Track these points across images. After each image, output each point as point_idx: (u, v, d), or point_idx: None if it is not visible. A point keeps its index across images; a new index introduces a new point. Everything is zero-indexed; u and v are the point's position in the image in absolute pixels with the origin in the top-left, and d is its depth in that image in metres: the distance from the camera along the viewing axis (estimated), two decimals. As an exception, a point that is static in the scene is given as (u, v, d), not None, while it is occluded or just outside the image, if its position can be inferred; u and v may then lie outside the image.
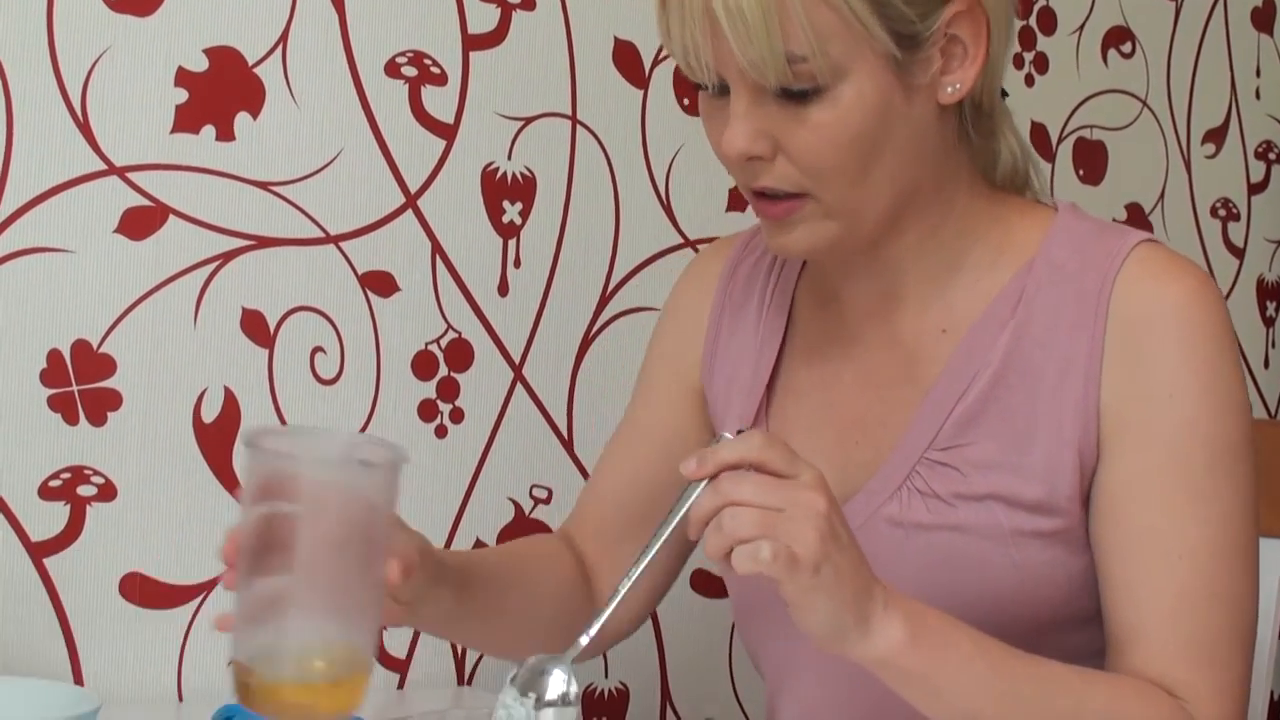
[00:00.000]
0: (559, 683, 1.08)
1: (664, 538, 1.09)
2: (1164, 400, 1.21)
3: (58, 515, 1.49)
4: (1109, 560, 1.22)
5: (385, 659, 1.63)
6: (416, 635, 1.65)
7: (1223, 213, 2.14)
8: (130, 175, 1.51)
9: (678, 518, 1.09)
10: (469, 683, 1.68)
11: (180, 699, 1.54)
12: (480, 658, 1.68)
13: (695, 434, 1.40)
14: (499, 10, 1.67)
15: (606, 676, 1.76)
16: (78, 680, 1.49)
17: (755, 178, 1.21)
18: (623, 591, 1.10)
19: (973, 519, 1.23)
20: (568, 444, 1.71)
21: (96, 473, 1.50)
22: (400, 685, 1.64)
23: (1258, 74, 2.16)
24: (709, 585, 1.81)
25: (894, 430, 1.28)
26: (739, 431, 1.15)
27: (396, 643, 1.64)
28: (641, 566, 1.09)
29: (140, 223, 1.51)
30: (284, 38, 1.56)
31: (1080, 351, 1.23)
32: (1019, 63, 1.96)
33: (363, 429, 1.60)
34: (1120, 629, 1.22)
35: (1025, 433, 1.23)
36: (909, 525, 1.25)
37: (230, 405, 1.55)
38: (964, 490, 1.24)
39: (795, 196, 1.20)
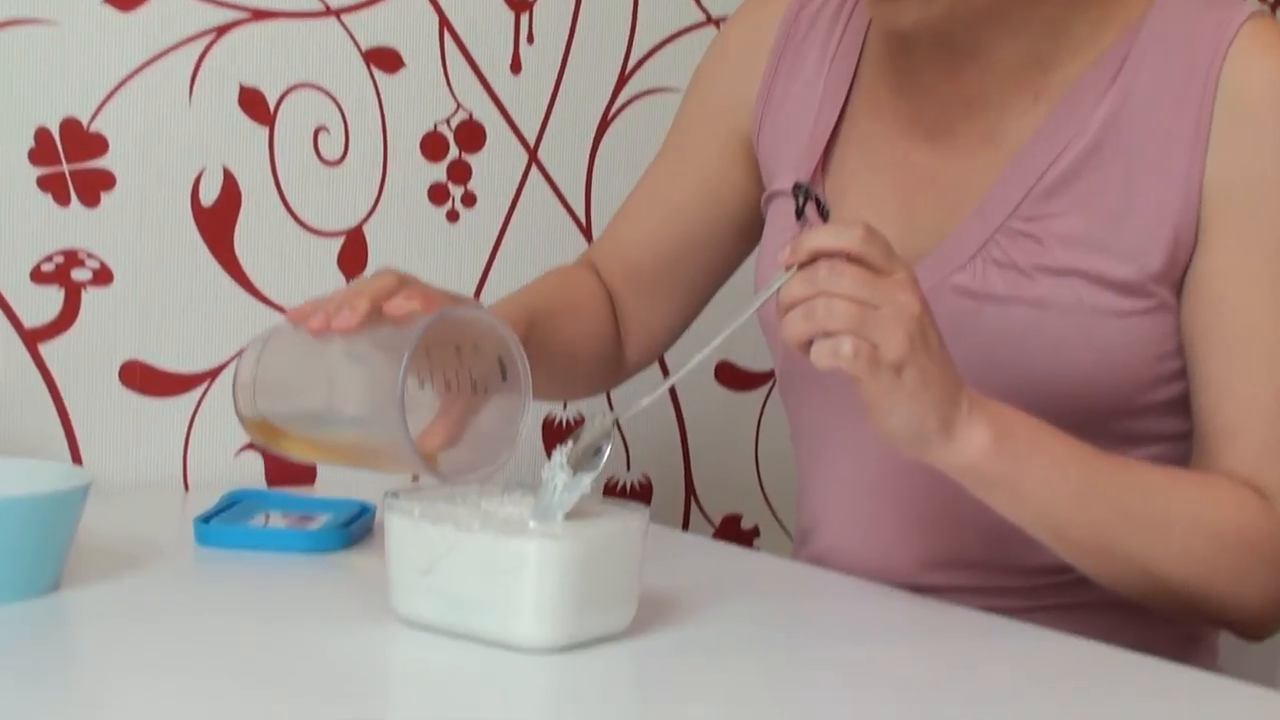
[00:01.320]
0: (604, 455, 1.06)
1: (743, 319, 1.06)
2: (1274, 186, 1.16)
3: (52, 300, 1.44)
4: (1204, 354, 1.17)
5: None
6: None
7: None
8: (118, -57, 1.44)
9: (761, 300, 1.06)
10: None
11: (186, 488, 1.50)
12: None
13: (739, 183, 1.37)
14: None
15: (629, 470, 1.72)
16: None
17: None
18: (691, 366, 1.07)
19: (1053, 294, 1.18)
20: (585, 231, 1.65)
21: (91, 256, 1.45)
22: (415, 478, 1.60)
23: None
24: (735, 379, 1.76)
25: (970, 194, 1.22)
26: (796, 185, 1.12)
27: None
28: (712, 347, 1.06)
29: (129, -8, 1.45)
30: None
31: (1185, 127, 1.17)
32: None
33: (370, 213, 1.55)
34: (1211, 427, 1.18)
35: (1117, 209, 1.18)
36: (981, 296, 1.20)
37: (230, 187, 1.49)
38: (1046, 263, 1.18)
39: None
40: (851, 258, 1.03)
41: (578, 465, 1.04)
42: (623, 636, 1.05)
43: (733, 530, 1.78)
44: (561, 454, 1.05)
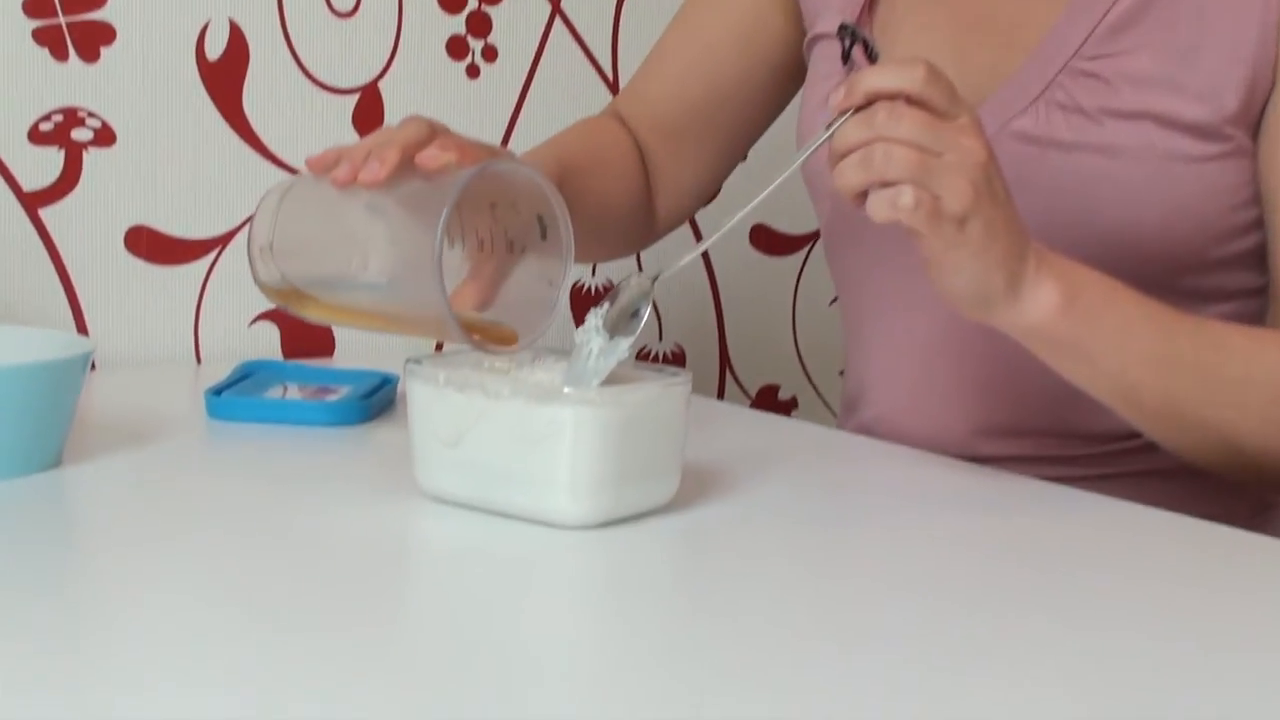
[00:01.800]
0: (642, 317, 0.98)
1: (792, 169, 0.99)
2: None
3: (51, 162, 1.36)
4: None
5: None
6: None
7: None
8: None
9: (812, 148, 0.98)
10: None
11: (198, 361, 1.43)
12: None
13: (776, 27, 1.30)
14: None
15: (661, 339, 1.65)
16: (84, 341, 1.38)
17: None
18: (736, 221, 0.99)
19: (1122, 139, 1.10)
20: (612, 86, 1.57)
21: (92, 115, 1.37)
22: (439, 347, 1.53)
23: None
24: (771, 243, 1.69)
25: (1029, 33, 1.14)
26: (842, 26, 1.05)
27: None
28: (759, 199, 0.98)
29: None
30: None
31: None
32: None
33: (385, 69, 1.47)
34: None
35: (1189, 45, 1.10)
36: (1045, 143, 1.12)
37: (237, 40, 1.41)
38: (1114, 106, 1.10)
39: None
40: (911, 100, 0.95)
41: (614, 329, 0.97)
42: (665, 511, 0.98)
43: (770, 401, 1.72)
44: (597, 317, 0.97)
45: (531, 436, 0.93)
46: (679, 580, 0.94)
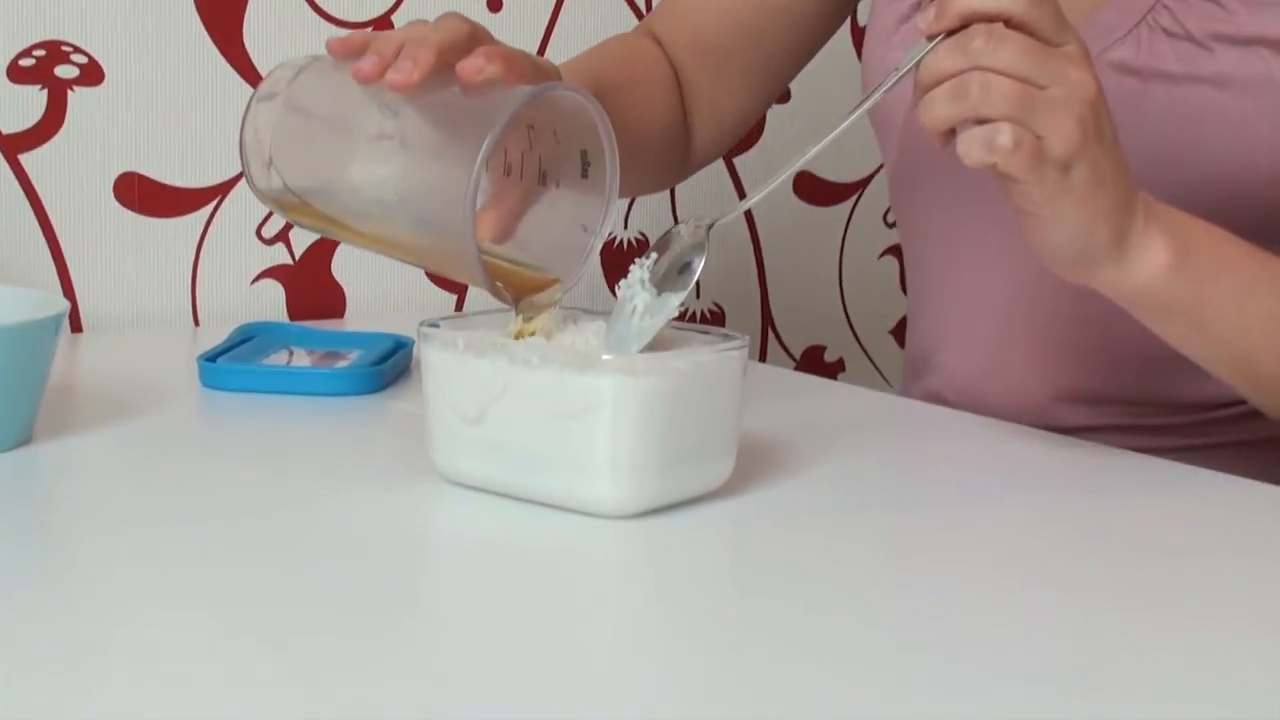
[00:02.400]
0: (694, 272, 0.86)
1: (875, 98, 0.87)
2: None
3: (33, 102, 1.24)
4: None
5: (441, 279, 1.39)
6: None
7: None
8: None
9: (899, 76, 0.85)
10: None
11: (196, 323, 1.31)
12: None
13: None
14: None
15: (698, 297, 1.53)
16: (70, 300, 1.26)
17: None
18: (802, 162, 0.87)
19: (1235, 68, 0.99)
20: (638, 11, 1.45)
21: (78, 50, 1.25)
22: (459, 307, 1.41)
23: None
24: (816, 192, 1.56)
25: None
26: None
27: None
28: (823, 144, 0.86)
29: None
30: None
31: None
32: None
33: (399, 1, 1.34)
34: None
35: None
36: (1148, 74, 1.00)
37: (237, -32, 1.29)
38: (1226, 31, 0.99)
39: None
40: (1013, 24, 0.83)
41: (660, 285, 0.84)
42: (718, 496, 0.86)
43: (815, 363, 1.61)
44: (643, 269, 0.85)
45: (565, 411, 0.81)
46: (735, 576, 0.81)
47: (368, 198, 0.88)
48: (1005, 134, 0.82)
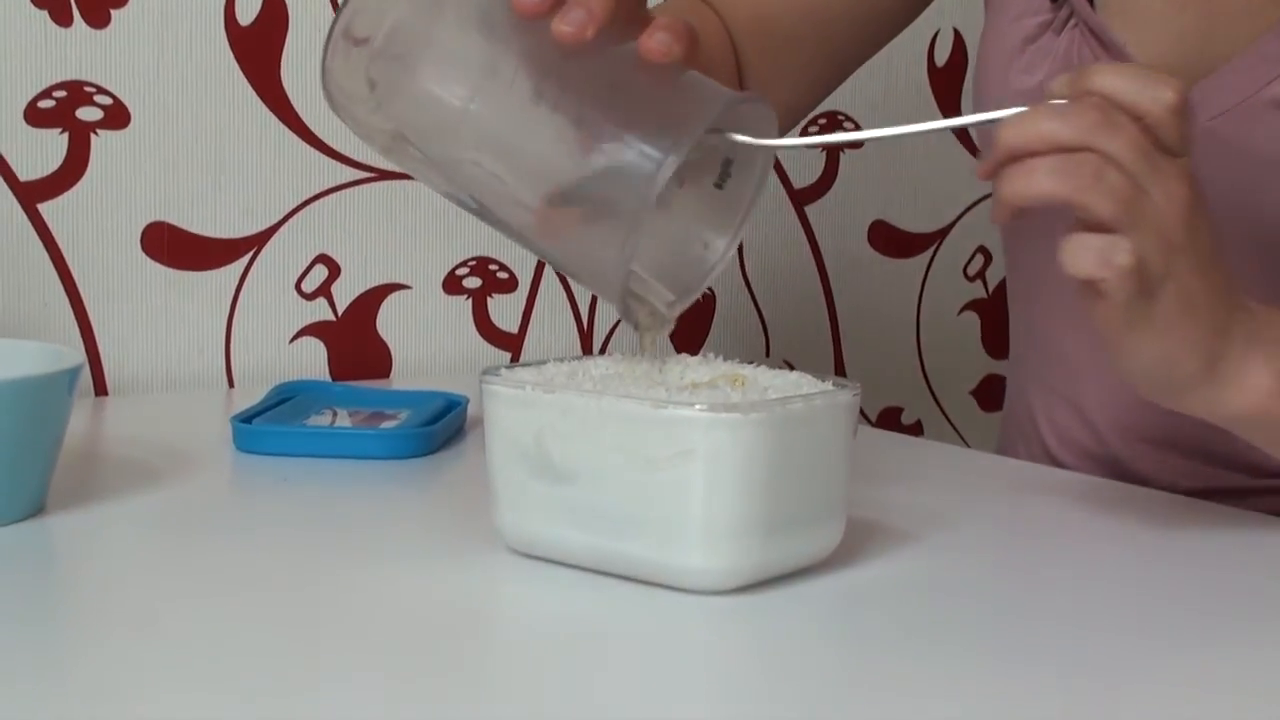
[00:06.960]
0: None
1: (957, 123, 0.77)
2: None
3: (53, 146, 1.15)
4: None
5: (495, 335, 1.29)
6: (530, 306, 1.30)
7: None
8: None
9: (988, 117, 0.76)
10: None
11: (230, 384, 1.20)
12: (613, 328, 1.34)
13: None
14: None
15: (768, 355, 1.43)
16: (94, 361, 1.16)
17: None
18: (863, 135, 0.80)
19: None
20: None
21: (101, 90, 1.15)
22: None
23: None
24: (892, 242, 1.46)
25: None
26: None
27: (507, 316, 1.30)
28: (899, 131, 0.77)
29: None
30: None
31: None
32: None
33: None
34: None
35: None
36: None
37: (273, 1, 1.19)
38: None
39: None
40: (1134, 113, 0.73)
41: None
42: (827, 567, 0.74)
43: (892, 425, 1.52)
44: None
45: (649, 462, 0.70)
46: (847, 661, 0.70)
47: (498, 159, 0.75)
48: (1125, 253, 0.72)
